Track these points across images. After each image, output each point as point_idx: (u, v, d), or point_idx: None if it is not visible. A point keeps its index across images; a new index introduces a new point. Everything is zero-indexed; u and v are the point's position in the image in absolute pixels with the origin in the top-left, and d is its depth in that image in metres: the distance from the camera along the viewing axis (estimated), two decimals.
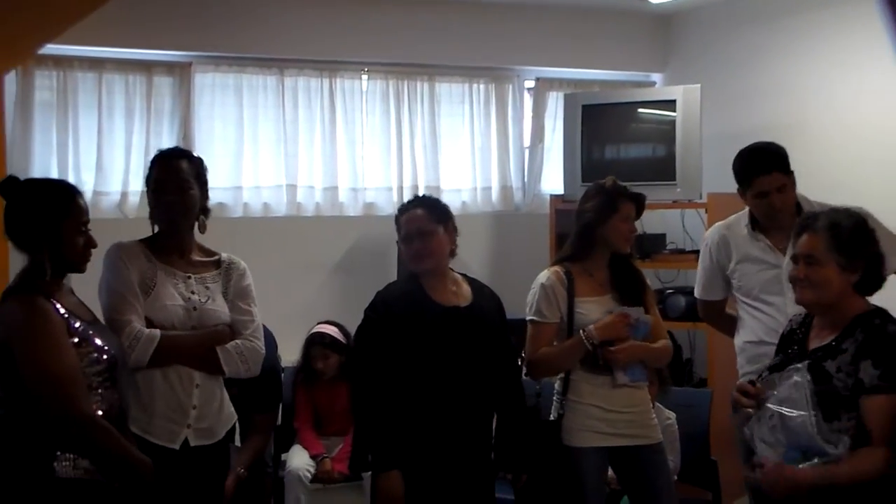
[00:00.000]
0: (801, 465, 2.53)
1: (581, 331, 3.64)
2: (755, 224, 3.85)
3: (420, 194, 4.03)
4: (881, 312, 2.83)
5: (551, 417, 3.72)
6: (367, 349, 3.49)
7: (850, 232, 2.88)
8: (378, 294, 3.58)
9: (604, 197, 3.75)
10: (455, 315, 3.51)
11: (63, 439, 2.77)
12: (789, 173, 3.74)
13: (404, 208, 3.64)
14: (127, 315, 3.11)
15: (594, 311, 3.70)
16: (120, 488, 2.83)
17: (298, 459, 4.72)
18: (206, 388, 3.25)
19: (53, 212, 2.89)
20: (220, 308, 3.33)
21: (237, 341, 3.31)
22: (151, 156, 3.41)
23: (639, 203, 3.81)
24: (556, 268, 3.79)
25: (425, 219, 3.56)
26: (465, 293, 3.62)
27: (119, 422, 2.90)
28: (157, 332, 3.14)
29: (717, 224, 4.08)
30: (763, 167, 3.71)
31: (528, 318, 3.76)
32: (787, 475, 2.56)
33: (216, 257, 3.44)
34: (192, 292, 3.29)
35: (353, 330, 3.68)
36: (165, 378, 3.17)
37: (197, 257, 3.39)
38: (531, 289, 3.79)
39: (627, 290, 3.78)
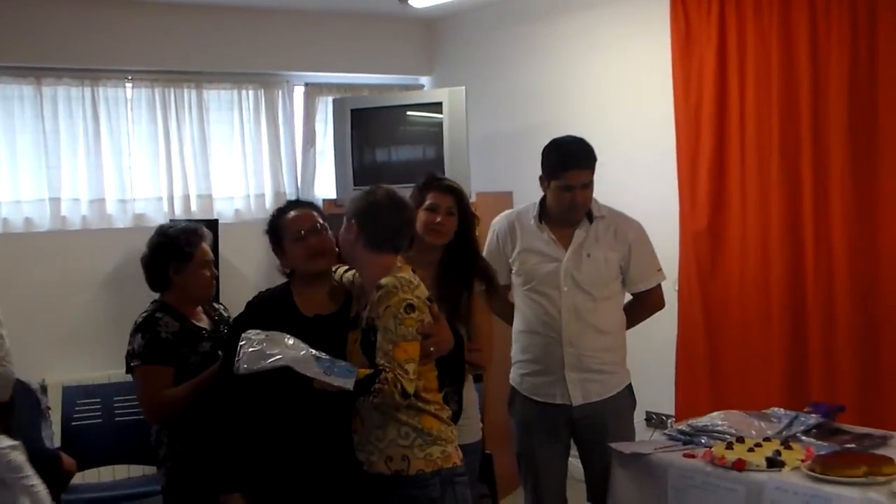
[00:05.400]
0: None
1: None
2: (543, 216, 3.91)
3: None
4: None
5: None
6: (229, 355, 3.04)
7: None
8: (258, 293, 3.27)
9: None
10: (317, 324, 3.15)
11: None
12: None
13: (282, 211, 3.33)
14: None
15: None
16: None
17: None
18: None
19: None
20: None
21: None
22: None
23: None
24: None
25: (314, 216, 3.27)
26: (341, 298, 3.27)
27: None
28: None
29: (506, 211, 4.12)
30: (577, 162, 3.74)
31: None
32: None
33: None
34: None
35: None
36: None
37: None
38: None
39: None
